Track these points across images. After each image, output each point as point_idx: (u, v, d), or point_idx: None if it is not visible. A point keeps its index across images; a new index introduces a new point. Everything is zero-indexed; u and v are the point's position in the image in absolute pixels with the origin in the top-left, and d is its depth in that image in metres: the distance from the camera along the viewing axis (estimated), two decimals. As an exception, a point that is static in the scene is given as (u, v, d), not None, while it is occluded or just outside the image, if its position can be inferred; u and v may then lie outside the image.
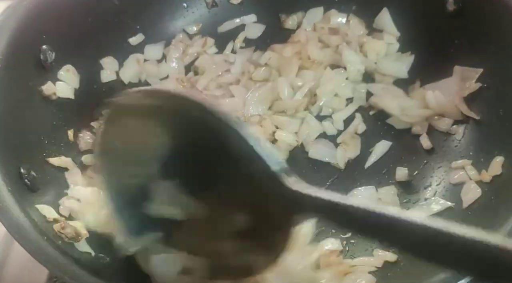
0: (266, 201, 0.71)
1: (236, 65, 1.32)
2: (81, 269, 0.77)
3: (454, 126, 1.13)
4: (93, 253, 0.91)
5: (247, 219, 0.76)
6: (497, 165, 0.98)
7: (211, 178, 0.79)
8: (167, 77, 1.31)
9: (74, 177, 1.05)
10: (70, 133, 1.12)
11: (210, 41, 1.37)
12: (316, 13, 1.37)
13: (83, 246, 0.90)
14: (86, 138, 1.14)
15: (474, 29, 1.12)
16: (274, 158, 0.69)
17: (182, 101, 0.74)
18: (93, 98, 1.18)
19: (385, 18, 1.29)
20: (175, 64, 1.33)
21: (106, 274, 0.83)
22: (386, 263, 0.97)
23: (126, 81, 1.28)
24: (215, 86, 1.28)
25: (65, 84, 1.14)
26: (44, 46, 1.09)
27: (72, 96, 1.16)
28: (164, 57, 1.33)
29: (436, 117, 1.15)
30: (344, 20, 1.34)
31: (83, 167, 1.10)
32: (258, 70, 1.28)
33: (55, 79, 1.11)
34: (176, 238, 0.84)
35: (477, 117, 1.08)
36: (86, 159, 1.11)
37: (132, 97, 0.81)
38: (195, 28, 1.38)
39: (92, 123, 1.17)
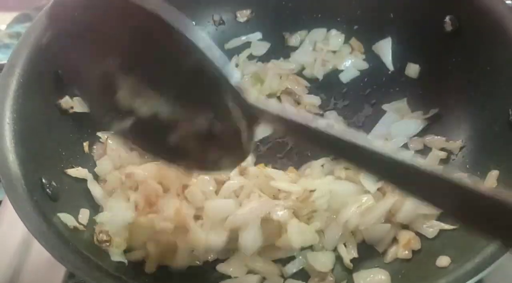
0: (226, 108, 0.76)
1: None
2: (105, 276, 0.82)
3: (451, 141, 1.18)
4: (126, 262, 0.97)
5: (209, 122, 0.81)
6: (492, 178, 1.03)
7: (171, 79, 0.81)
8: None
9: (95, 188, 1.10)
10: (86, 145, 1.17)
11: None
12: (319, 33, 1.43)
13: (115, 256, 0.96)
14: (99, 150, 1.19)
15: (471, 49, 1.17)
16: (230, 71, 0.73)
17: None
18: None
19: (385, 47, 1.36)
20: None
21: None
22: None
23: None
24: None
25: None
26: (62, 61, 1.14)
27: (87, 110, 1.20)
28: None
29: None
30: (343, 41, 1.41)
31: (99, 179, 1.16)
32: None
33: (72, 94, 1.16)
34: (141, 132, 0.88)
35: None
36: (98, 169, 1.16)
37: None
38: (202, 44, 1.44)
39: (98, 133, 1.21)
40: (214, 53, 0.72)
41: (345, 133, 0.64)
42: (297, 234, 1.01)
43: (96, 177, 1.15)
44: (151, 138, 0.88)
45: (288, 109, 0.72)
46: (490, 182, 1.03)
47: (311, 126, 0.67)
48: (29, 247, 1.25)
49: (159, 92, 0.82)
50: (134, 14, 0.73)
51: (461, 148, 1.16)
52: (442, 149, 1.19)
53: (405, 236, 1.03)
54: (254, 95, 0.74)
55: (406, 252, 1.01)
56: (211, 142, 0.83)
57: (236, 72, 0.74)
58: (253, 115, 0.74)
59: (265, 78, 1.36)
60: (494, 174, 1.03)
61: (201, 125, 0.82)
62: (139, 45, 0.77)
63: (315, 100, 1.36)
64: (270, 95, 1.34)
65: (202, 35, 0.71)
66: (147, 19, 0.72)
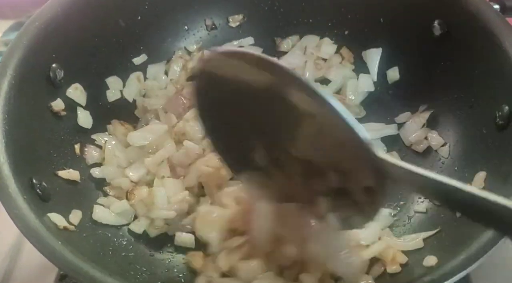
0: (356, 164, 0.80)
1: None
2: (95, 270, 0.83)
3: (441, 147, 1.21)
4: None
5: (339, 179, 0.85)
6: (480, 179, 1.04)
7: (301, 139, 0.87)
8: (165, 88, 1.37)
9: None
10: (77, 147, 1.17)
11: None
12: (311, 39, 1.45)
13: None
14: (92, 153, 1.19)
15: (459, 53, 1.19)
16: (361, 128, 0.76)
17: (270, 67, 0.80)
18: (99, 114, 1.25)
19: (374, 56, 1.37)
20: (176, 76, 1.40)
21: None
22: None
23: (130, 99, 1.34)
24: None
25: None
26: (53, 65, 1.14)
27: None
28: (165, 73, 1.40)
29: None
30: (334, 50, 1.42)
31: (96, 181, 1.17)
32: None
33: (63, 97, 1.17)
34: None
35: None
36: (94, 172, 1.17)
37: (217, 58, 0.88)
38: (195, 46, 1.46)
39: (93, 136, 1.22)
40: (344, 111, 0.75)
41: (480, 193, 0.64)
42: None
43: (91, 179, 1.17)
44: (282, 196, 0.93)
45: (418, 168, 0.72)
46: (477, 183, 1.04)
47: (446, 183, 0.67)
48: (20, 251, 1.26)
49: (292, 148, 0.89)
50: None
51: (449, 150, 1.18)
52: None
53: (388, 253, 1.01)
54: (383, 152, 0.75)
55: (394, 267, 1.00)
56: (341, 202, 0.86)
57: (363, 128, 0.76)
58: (383, 171, 0.75)
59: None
60: (482, 175, 1.04)
61: (331, 183, 0.86)
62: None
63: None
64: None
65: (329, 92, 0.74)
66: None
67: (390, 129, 1.29)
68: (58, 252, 0.84)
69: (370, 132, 1.23)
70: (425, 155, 1.24)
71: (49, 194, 1.00)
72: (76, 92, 1.21)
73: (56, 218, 0.95)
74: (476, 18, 1.13)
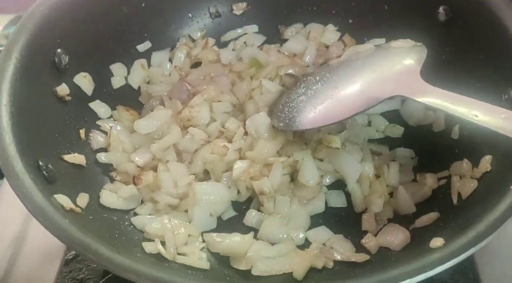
0: None
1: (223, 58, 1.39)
2: (103, 247, 0.83)
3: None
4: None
5: None
6: (485, 162, 1.03)
7: None
8: (169, 75, 1.38)
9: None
10: (82, 132, 1.17)
11: (211, 41, 1.45)
12: (315, 27, 1.45)
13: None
14: (97, 138, 1.19)
15: (464, 38, 1.19)
16: None
17: None
18: (104, 100, 1.25)
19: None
20: (180, 63, 1.39)
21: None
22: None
23: (135, 86, 1.34)
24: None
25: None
26: (58, 50, 1.14)
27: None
28: (169, 60, 1.40)
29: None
30: (337, 37, 1.43)
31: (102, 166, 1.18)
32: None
33: (69, 82, 1.16)
34: None
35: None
36: (100, 157, 1.17)
37: None
38: (199, 34, 1.46)
39: (98, 122, 1.22)
40: None
41: None
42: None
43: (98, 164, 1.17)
44: None
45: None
46: (483, 166, 1.03)
47: None
48: (24, 238, 1.25)
49: None
50: None
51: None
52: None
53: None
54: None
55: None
56: None
57: None
58: None
59: (263, 62, 1.35)
60: (487, 158, 1.04)
61: None
62: None
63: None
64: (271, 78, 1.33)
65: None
66: None
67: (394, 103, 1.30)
68: (65, 230, 0.85)
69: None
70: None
71: (55, 176, 1.00)
72: (84, 80, 1.21)
73: (63, 199, 0.95)
74: (481, 3, 1.13)
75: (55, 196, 0.94)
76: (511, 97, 1.05)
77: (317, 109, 1.13)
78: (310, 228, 1.12)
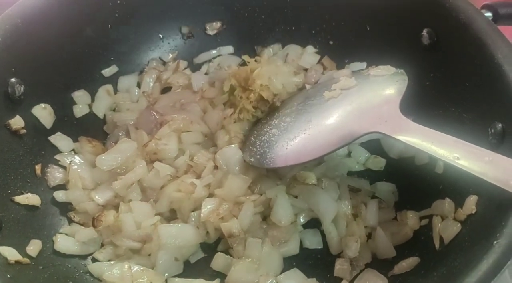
0: None
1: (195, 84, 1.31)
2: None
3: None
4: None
5: None
6: (471, 203, 0.96)
7: None
8: (137, 101, 1.30)
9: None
10: (38, 168, 1.09)
11: (183, 63, 1.37)
12: (294, 49, 1.37)
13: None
14: (54, 174, 1.11)
15: (449, 64, 1.11)
16: None
17: None
18: (65, 131, 1.17)
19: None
20: (149, 89, 1.31)
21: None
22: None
23: (100, 115, 1.26)
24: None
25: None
26: (12, 79, 1.06)
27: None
28: (138, 85, 1.32)
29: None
30: (316, 59, 1.35)
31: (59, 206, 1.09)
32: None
33: (24, 113, 1.08)
34: None
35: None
36: (57, 195, 1.09)
37: None
38: (170, 56, 1.38)
39: (57, 157, 1.14)
40: None
41: None
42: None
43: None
44: None
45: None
46: (468, 208, 0.96)
47: None
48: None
49: None
50: None
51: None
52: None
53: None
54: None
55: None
56: None
57: None
58: None
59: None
60: (473, 199, 0.96)
61: None
62: None
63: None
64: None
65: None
66: None
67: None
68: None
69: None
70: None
71: (0, 223, 0.92)
72: (44, 112, 1.13)
73: (7, 251, 0.87)
74: (466, 26, 1.06)
75: (-1, 248, 0.86)
76: (497, 132, 0.97)
77: (289, 145, 1.06)
78: (282, 270, 1.04)
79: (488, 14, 1.15)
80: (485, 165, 0.84)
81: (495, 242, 0.79)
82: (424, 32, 1.15)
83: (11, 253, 0.87)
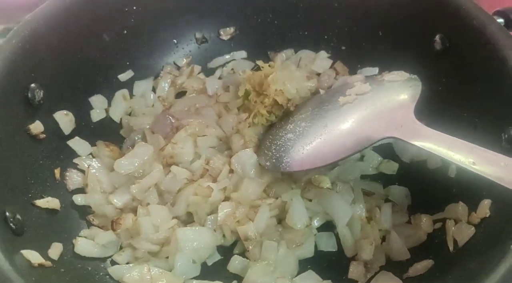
0: None
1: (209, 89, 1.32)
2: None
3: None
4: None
5: None
6: (484, 207, 0.97)
7: None
8: (153, 106, 1.31)
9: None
10: (57, 172, 1.11)
11: (197, 68, 1.39)
12: (307, 54, 1.39)
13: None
14: (73, 177, 1.13)
15: (461, 69, 1.13)
16: None
17: None
18: (82, 135, 1.18)
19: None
20: (164, 93, 1.33)
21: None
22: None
23: (116, 119, 1.28)
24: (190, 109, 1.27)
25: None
26: (32, 85, 1.08)
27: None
28: (153, 90, 1.34)
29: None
30: (329, 64, 1.36)
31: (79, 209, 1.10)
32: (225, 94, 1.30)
33: (44, 118, 1.10)
34: None
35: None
36: (76, 199, 1.11)
37: None
38: (184, 61, 1.39)
39: (75, 160, 1.16)
40: None
41: None
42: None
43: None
44: None
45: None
46: (482, 211, 0.97)
47: None
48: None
49: None
50: None
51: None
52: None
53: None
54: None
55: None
56: None
57: None
58: None
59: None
60: (487, 202, 0.97)
61: None
62: None
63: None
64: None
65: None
66: None
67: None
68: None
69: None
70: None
71: (23, 226, 0.94)
72: (65, 119, 1.15)
73: (31, 255, 0.88)
74: (479, 32, 1.07)
75: (22, 251, 0.87)
76: (511, 137, 0.98)
77: (305, 149, 1.07)
78: (298, 273, 1.06)
79: (500, 20, 1.16)
80: (501, 170, 0.85)
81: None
82: (437, 37, 1.16)
83: (34, 256, 0.89)
